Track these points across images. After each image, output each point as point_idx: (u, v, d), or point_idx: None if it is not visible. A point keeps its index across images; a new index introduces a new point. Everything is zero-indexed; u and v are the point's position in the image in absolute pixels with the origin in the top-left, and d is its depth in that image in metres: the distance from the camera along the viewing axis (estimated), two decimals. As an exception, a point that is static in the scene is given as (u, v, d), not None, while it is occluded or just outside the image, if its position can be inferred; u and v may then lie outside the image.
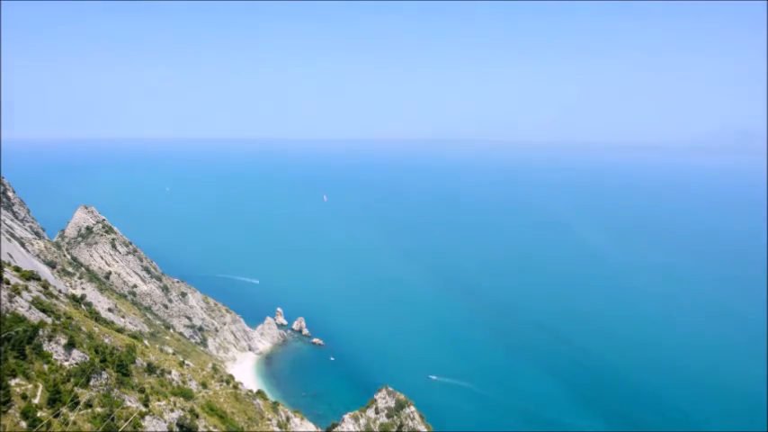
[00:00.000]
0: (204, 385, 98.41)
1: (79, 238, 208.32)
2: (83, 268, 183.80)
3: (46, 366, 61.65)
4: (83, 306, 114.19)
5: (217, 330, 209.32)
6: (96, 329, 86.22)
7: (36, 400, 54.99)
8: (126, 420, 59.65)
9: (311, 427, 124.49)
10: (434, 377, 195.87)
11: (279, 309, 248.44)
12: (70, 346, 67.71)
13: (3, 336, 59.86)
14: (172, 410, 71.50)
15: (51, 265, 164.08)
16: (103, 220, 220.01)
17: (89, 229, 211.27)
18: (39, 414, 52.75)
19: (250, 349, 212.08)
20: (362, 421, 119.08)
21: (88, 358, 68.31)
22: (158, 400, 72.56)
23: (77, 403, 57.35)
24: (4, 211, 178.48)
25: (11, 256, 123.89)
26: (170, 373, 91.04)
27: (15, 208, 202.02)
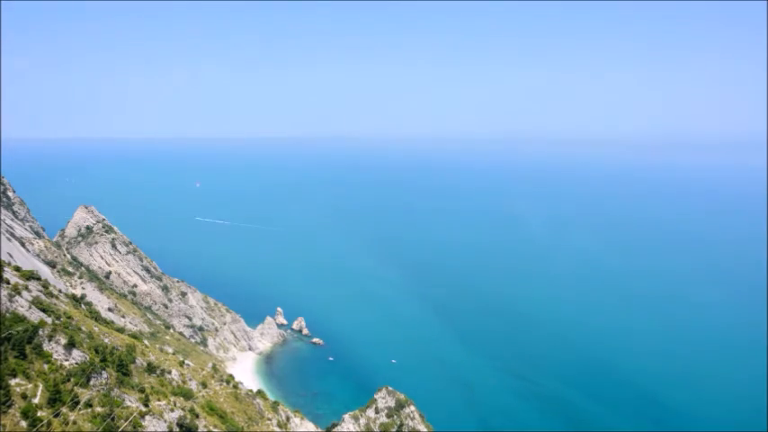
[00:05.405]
0: (204, 385, 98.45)
1: (79, 238, 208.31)
2: (83, 268, 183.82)
3: (46, 366, 61.64)
4: (83, 306, 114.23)
5: (217, 330, 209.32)
6: (96, 329, 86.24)
7: (36, 400, 54.99)
8: (126, 420, 59.65)
9: (311, 426, 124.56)
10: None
11: (279, 309, 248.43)
12: (70, 345, 67.67)
13: (3, 335, 59.84)
14: (172, 410, 71.49)
15: (51, 264, 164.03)
16: (103, 219, 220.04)
17: (89, 229, 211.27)
18: (39, 414, 52.76)
19: (250, 349, 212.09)
20: (362, 421, 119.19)
21: (88, 358, 68.30)
22: (158, 400, 72.56)
23: (77, 403, 57.35)
24: (4, 211, 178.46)
25: (11, 255, 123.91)
26: (170, 372, 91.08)
27: (15, 208, 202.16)
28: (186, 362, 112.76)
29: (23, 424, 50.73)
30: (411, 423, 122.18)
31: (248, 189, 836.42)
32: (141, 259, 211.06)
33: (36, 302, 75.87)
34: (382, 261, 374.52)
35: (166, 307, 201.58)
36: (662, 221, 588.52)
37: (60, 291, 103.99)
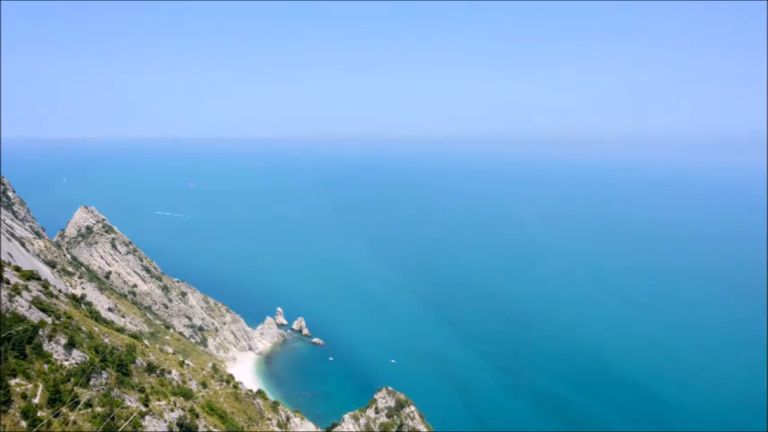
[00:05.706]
0: (204, 385, 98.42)
1: (79, 238, 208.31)
2: (83, 268, 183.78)
3: (46, 366, 61.61)
4: (83, 306, 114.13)
5: (217, 330, 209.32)
6: (96, 329, 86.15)
7: (36, 400, 54.98)
8: (126, 420, 59.64)
9: (311, 426, 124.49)
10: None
11: (279, 309, 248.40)
12: (70, 345, 67.64)
13: (3, 335, 59.83)
14: (172, 410, 71.46)
15: (51, 264, 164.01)
16: (103, 219, 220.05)
17: (89, 229, 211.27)
18: (39, 414, 52.75)
19: (250, 349, 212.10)
20: (362, 421, 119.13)
21: (88, 358, 68.26)
22: (158, 400, 72.51)
23: (77, 403, 57.35)
24: (4, 211, 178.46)
25: (11, 255, 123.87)
26: (170, 372, 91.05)
27: (15, 208, 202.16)
28: (186, 362, 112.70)
29: (23, 424, 50.72)
30: (411, 423, 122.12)
31: (248, 189, 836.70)
32: (141, 259, 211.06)
33: (36, 302, 75.77)
34: (382, 261, 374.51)
35: (166, 307, 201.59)
36: (661, 221, 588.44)
37: (60, 291, 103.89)
